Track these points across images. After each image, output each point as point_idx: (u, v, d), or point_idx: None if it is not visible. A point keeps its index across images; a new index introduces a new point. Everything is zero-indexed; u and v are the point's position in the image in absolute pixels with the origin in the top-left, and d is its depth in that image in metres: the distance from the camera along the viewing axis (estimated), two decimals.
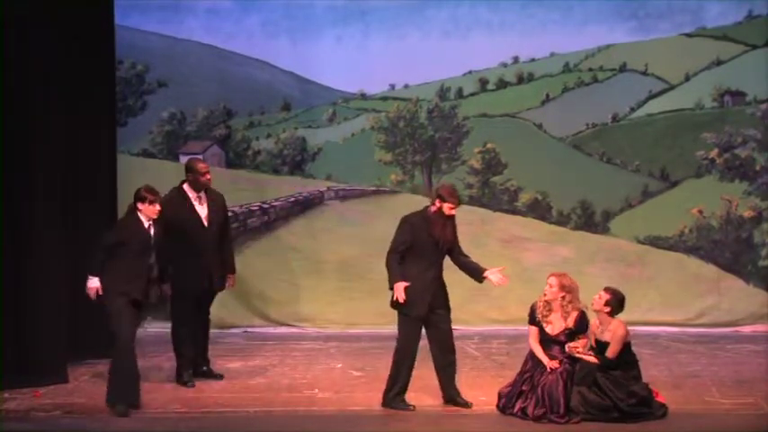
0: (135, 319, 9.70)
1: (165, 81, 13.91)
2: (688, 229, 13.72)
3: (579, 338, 9.56)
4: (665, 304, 13.47)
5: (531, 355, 9.64)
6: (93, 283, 9.65)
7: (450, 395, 9.85)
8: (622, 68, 14.00)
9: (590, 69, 14.00)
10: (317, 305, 13.59)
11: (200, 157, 12.96)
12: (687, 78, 13.91)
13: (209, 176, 10.78)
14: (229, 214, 11.48)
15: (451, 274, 9.85)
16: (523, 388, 9.51)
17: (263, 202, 13.93)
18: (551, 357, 9.51)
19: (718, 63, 13.81)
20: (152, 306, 10.53)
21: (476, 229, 13.34)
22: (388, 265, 9.64)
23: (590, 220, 13.88)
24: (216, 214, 10.81)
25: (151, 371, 10.95)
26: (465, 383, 10.17)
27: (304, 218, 13.96)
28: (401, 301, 9.52)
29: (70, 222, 11.12)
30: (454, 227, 9.74)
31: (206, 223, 10.72)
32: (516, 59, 14.00)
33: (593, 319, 9.60)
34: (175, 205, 10.53)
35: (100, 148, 11.83)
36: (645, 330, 12.64)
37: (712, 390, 10.45)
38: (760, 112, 13.61)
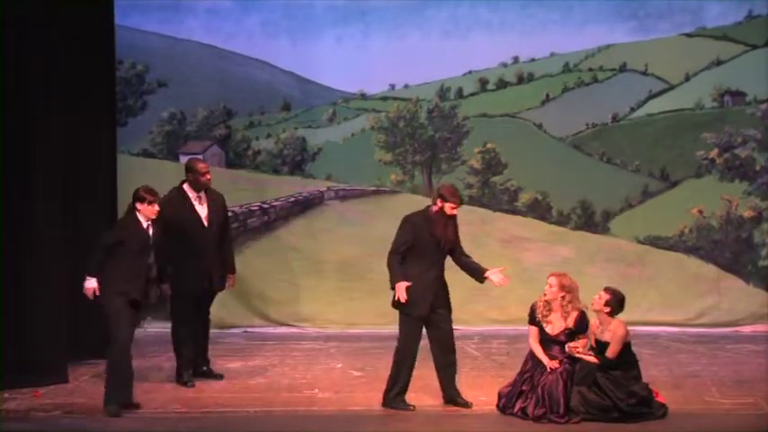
0: (133, 320, 9.69)
1: (165, 81, 13.91)
2: (688, 229, 13.71)
3: (579, 338, 9.55)
4: (665, 304, 13.47)
5: (531, 355, 9.63)
6: (91, 283, 9.63)
7: (451, 395, 9.84)
8: (622, 68, 13.99)
9: (590, 69, 14.00)
10: (316, 305, 13.58)
11: (200, 157, 12.96)
12: (687, 78, 13.91)
13: (209, 176, 10.77)
14: (229, 214, 11.47)
15: (452, 274, 9.84)
16: (523, 388, 9.50)
17: (263, 202, 13.92)
18: (551, 357, 9.50)
19: (718, 63, 13.81)
20: (151, 306, 10.53)
21: (476, 229, 13.32)
22: (389, 265, 9.63)
23: (590, 220, 13.87)
24: (216, 214, 10.80)
25: (151, 371, 10.95)
26: (465, 383, 10.16)
27: (304, 218, 13.96)
28: (403, 300, 9.53)
29: (70, 222, 11.12)
30: (456, 227, 9.73)
31: (206, 223, 10.71)
32: (516, 59, 13.99)
33: (593, 319, 9.59)
34: (175, 205, 10.53)
35: (100, 148, 11.83)
36: (645, 330, 12.63)
37: (712, 390, 10.44)
38: (760, 112, 13.61)
